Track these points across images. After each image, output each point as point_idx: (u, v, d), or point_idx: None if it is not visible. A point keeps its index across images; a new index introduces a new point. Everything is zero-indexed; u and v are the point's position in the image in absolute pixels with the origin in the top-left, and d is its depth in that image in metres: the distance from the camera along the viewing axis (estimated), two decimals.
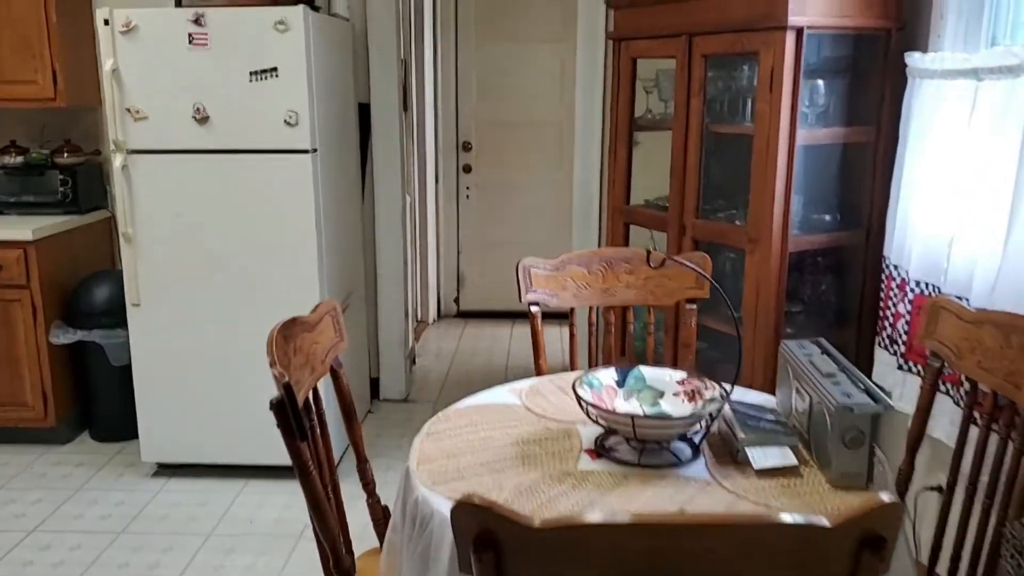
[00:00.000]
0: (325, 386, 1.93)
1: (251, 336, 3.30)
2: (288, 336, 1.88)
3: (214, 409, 3.40)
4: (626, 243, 3.25)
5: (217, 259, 3.29)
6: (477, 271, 5.91)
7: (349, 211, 3.84)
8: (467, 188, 5.82)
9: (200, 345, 3.36)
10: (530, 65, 5.56)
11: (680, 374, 1.90)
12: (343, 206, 3.71)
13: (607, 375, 1.92)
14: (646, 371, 1.94)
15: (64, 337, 3.66)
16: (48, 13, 3.62)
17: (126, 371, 3.48)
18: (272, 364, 1.69)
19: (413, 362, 4.84)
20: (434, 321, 5.86)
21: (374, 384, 4.35)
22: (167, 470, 3.55)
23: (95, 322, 3.67)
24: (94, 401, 3.82)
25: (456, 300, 5.98)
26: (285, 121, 3.16)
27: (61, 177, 3.80)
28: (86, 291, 3.71)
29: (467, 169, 5.78)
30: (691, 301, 2.42)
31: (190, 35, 3.12)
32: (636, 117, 3.19)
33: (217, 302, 3.32)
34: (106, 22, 3.11)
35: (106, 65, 3.13)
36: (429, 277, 5.70)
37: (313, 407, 1.89)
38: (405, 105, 4.40)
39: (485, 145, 5.74)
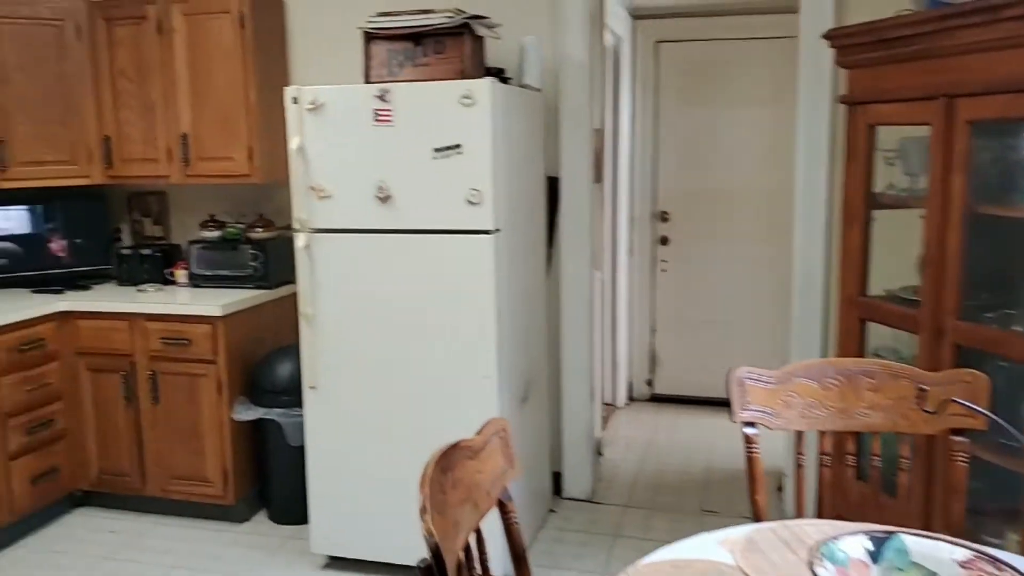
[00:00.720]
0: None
1: (428, 426, 3.06)
2: (447, 467, 1.55)
3: (388, 503, 3.16)
4: (861, 342, 2.70)
5: (396, 342, 3.09)
6: (673, 351, 5.45)
7: (533, 290, 3.55)
8: (663, 261, 5.40)
9: (375, 433, 3.16)
10: (736, 130, 5.11)
11: (961, 551, 1.39)
12: (527, 285, 3.43)
13: (855, 545, 1.44)
14: (910, 542, 1.45)
15: (246, 414, 3.60)
16: (248, 92, 3.67)
17: (303, 452, 3.34)
18: (422, 512, 1.37)
19: (599, 454, 4.43)
20: (624, 405, 5.43)
21: (556, 480, 3.98)
22: (337, 563, 3.34)
23: (275, 400, 3.59)
24: (271, 481, 3.73)
25: (649, 382, 5.53)
26: (468, 200, 2.93)
27: (253, 252, 3.81)
28: (269, 367, 3.65)
29: (664, 241, 5.37)
30: (959, 431, 1.88)
31: (375, 111, 2.98)
32: (875, 193, 2.67)
33: (394, 387, 3.11)
34: (294, 100, 3.04)
35: (292, 143, 3.06)
36: (619, 357, 5.30)
37: (476, 554, 1.55)
38: (597, 176, 4.09)
39: (684, 215, 5.32)
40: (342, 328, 3.14)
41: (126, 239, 4.31)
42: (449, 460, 1.56)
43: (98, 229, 4.14)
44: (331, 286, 3.14)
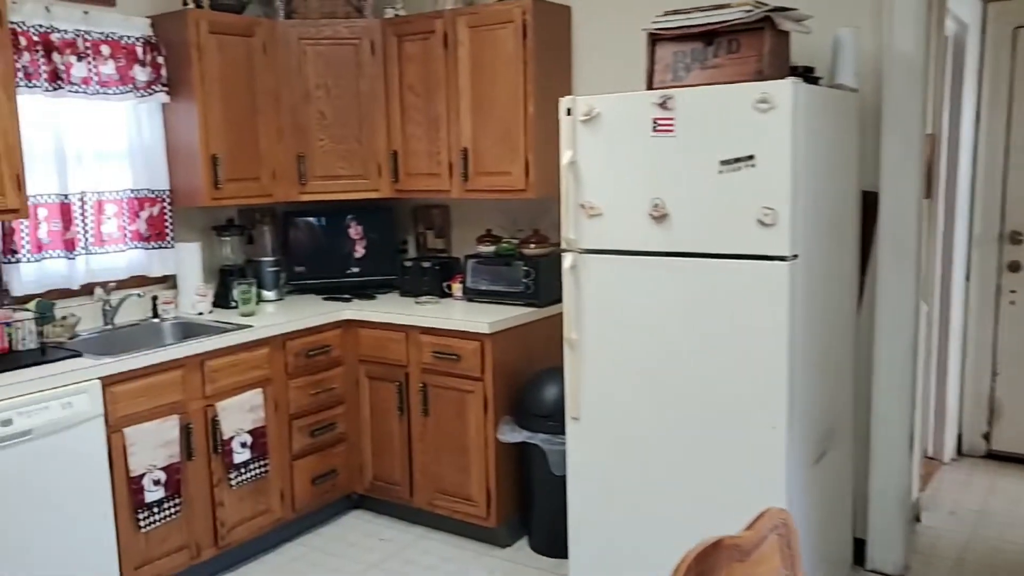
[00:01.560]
0: None
1: (699, 476, 2.68)
2: (706, 571, 1.19)
3: (650, 549, 2.83)
4: None
5: (667, 379, 2.74)
6: (1020, 400, 4.46)
7: (839, 326, 3.00)
8: (1011, 292, 4.44)
9: (639, 474, 2.84)
10: None
11: None
12: (831, 321, 2.89)
13: None
14: None
15: (511, 435, 3.45)
16: (527, 104, 3.52)
17: (566, 482, 3.12)
18: None
19: (916, 519, 3.70)
20: (951, 461, 4.55)
21: (858, 548, 3.36)
22: None
23: (540, 424, 3.40)
24: (534, 508, 3.55)
25: (986, 436, 4.59)
26: (759, 220, 2.50)
27: (525, 268, 3.66)
28: (535, 389, 3.47)
29: (1014, 267, 4.41)
30: None
31: (654, 120, 2.65)
32: None
33: (663, 428, 2.77)
34: (568, 111, 2.81)
35: (564, 157, 2.83)
36: (948, 404, 4.45)
37: None
38: (928, 190, 3.40)
39: None
40: (608, 358, 2.86)
41: (411, 251, 4.40)
42: (709, 562, 1.20)
43: (387, 240, 4.26)
44: (598, 312, 2.86)
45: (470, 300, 3.83)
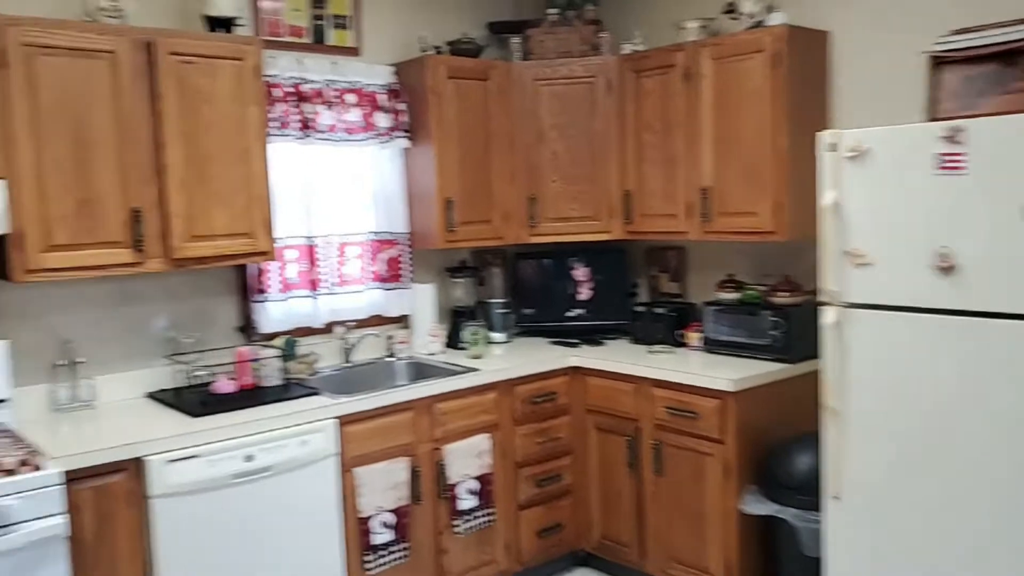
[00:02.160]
0: None
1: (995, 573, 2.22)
2: None
3: None
4: None
5: (954, 461, 2.31)
6: None
7: None
8: None
9: (914, 569, 2.41)
10: None
11: None
12: None
13: None
14: None
15: (755, 507, 3.10)
16: (776, 139, 3.20)
17: (820, 566, 2.73)
18: None
19: None
20: None
21: None
22: None
23: (791, 497, 3.03)
24: None
25: None
26: None
27: (773, 319, 3.31)
28: (785, 457, 3.10)
29: None
30: None
31: (940, 156, 2.26)
32: None
33: (947, 519, 2.33)
34: (832, 146, 2.48)
35: (826, 198, 2.50)
36: None
37: None
38: None
39: None
40: (878, 432, 2.47)
41: (643, 295, 4.17)
42: None
43: (617, 284, 4.07)
44: (867, 377, 2.49)
45: (710, 351, 3.54)
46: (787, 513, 3.01)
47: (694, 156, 3.49)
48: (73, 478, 2.38)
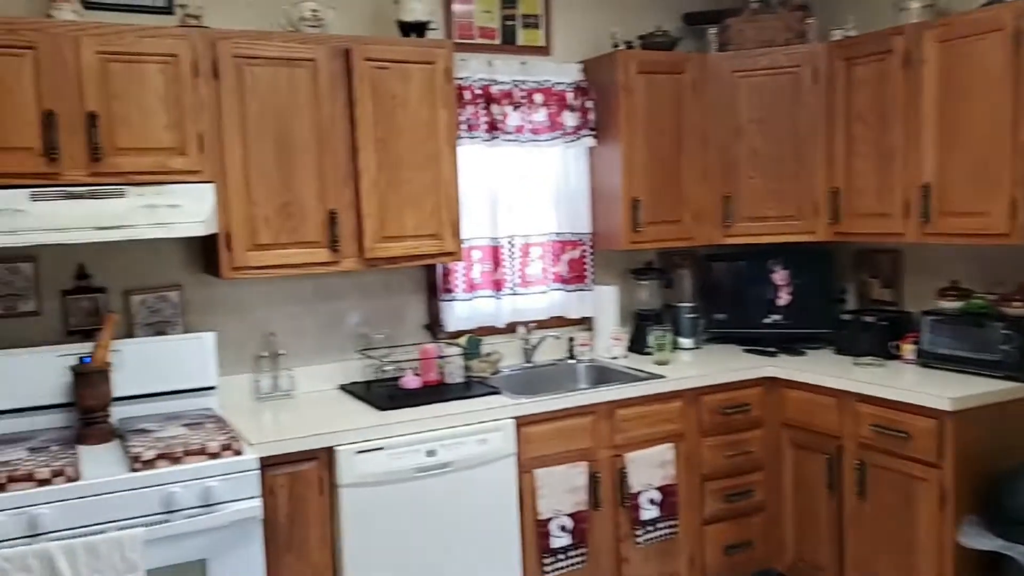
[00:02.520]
0: None
1: None
2: None
3: None
4: None
5: None
6: None
7: None
8: None
9: None
10: None
11: None
12: None
13: None
14: None
15: (977, 541, 2.75)
16: (1017, 129, 2.80)
17: None
18: None
19: None
20: None
21: None
22: None
23: (1019, 532, 2.65)
24: None
25: None
26: None
27: (1005, 332, 2.91)
28: (1014, 488, 2.72)
29: None
30: None
31: None
32: None
33: None
34: None
35: None
36: None
37: None
38: None
39: None
40: None
41: (850, 302, 3.83)
42: None
43: (820, 289, 3.77)
44: None
45: (924, 365, 3.18)
46: (1016, 551, 2.64)
47: (913, 150, 3.14)
48: (269, 464, 2.53)
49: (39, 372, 2.63)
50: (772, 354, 3.60)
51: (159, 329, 2.92)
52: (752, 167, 3.58)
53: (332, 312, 3.25)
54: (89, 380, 2.55)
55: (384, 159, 2.95)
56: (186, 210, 2.58)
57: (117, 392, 2.71)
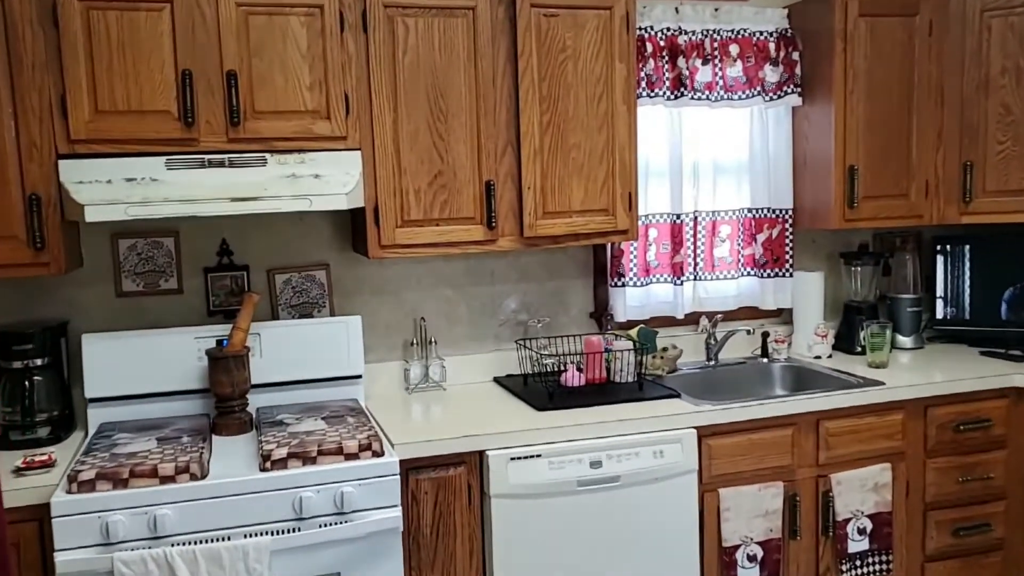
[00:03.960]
0: None
1: None
2: None
3: None
4: None
5: None
6: None
7: None
8: None
9: None
10: None
11: None
12: None
13: None
14: None
15: None
16: None
17: None
18: None
19: None
20: None
21: None
22: None
23: None
24: None
25: None
26: None
27: None
28: None
29: None
30: None
31: None
32: None
33: None
34: None
35: None
36: None
37: None
38: None
39: None
40: None
41: None
42: None
43: None
44: None
45: None
46: None
47: None
48: (413, 467, 2.23)
49: (177, 355, 2.46)
50: (1018, 359, 2.92)
51: (304, 311, 2.69)
52: (1003, 130, 2.89)
53: (487, 296, 2.91)
54: (225, 366, 2.34)
55: (550, 122, 2.56)
56: (330, 181, 2.31)
57: (257, 379, 2.50)
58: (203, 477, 2.00)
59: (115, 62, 2.18)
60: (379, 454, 2.13)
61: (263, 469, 2.05)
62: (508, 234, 2.57)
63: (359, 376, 2.62)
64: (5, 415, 2.28)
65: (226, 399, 2.35)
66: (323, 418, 2.36)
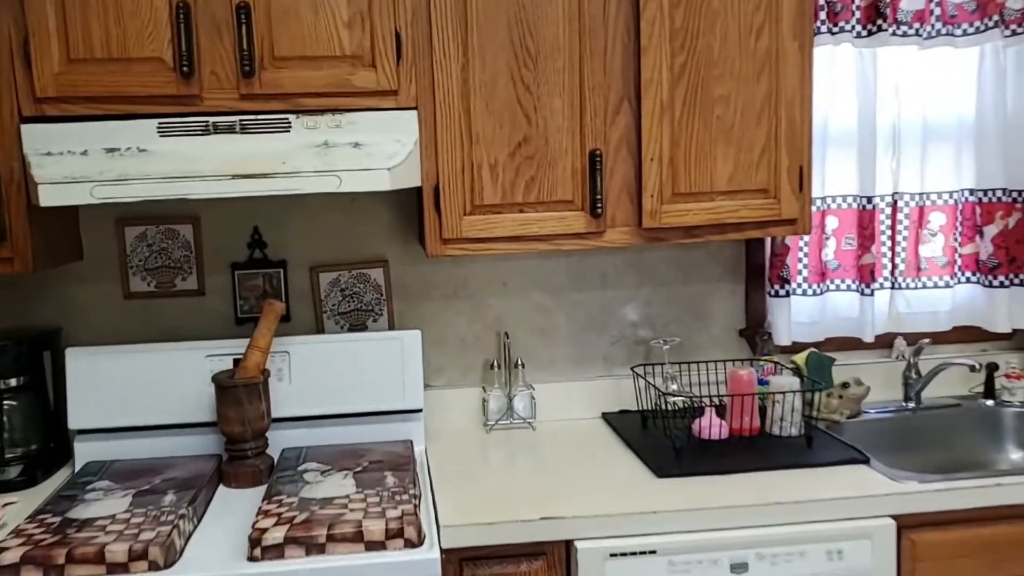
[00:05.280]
0: None
1: None
2: None
3: None
4: None
5: None
6: None
7: None
8: None
9: None
10: None
11: None
12: None
13: None
14: None
15: None
16: None
17: None
18: None
19: None
20: None
21: None
22: None
23: None
24: None
25: None
26: None
27: None
28: None
29: None
30: None
31: None
32: None
33: None
34: None
35: None
36: None
37: None
38: None
39: None
40: None
41: None
42: None
43: None
44: None
45: None
46: None
47: None
48: (468, 557, 1.58)
49: (186, 376, 1.90)
50: None
51: (356, 320, 2.08)
52: None
53: (596, 305, 2.19)
54: (235, 397, 1.77)
55: (685, 66, 1.81)
56: (373, 152, 1.68)
57: (284, 410, 1.92)
58: (167, 566, 1.43)
59: None
60: (414, 544, 1.48)
61: (251, 558, 1.45)
62: (620, 224, 1.85)
63: (417, 411, 1.98)
64: None
65: (236, 440, 1.78)
66: (356, 473, 1.74)
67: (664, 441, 1.90)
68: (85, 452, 1.89)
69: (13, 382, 1.82)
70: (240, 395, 1.77)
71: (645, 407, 2.08)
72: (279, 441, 1.93)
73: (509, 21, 1.76)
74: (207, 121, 1.67)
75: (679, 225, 1.84)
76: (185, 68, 1.66)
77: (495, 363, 2.13)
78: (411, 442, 1.94)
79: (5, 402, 1.81)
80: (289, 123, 1.69)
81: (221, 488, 1.77)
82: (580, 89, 1.79)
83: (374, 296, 2.08)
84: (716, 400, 2.01)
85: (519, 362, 2.13)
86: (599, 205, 1.80)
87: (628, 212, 1.84)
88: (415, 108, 1.74)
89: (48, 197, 1.59)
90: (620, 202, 1.83)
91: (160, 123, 1.65)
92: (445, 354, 2.14)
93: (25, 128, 1.64)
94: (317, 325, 2.08)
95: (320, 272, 2.07)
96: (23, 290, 2.01)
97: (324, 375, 1.94)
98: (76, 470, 1.85)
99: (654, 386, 2.01)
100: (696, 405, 2.00)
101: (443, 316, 2.14)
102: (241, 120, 1.67)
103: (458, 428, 2.13)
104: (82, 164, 1.62)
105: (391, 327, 2.10)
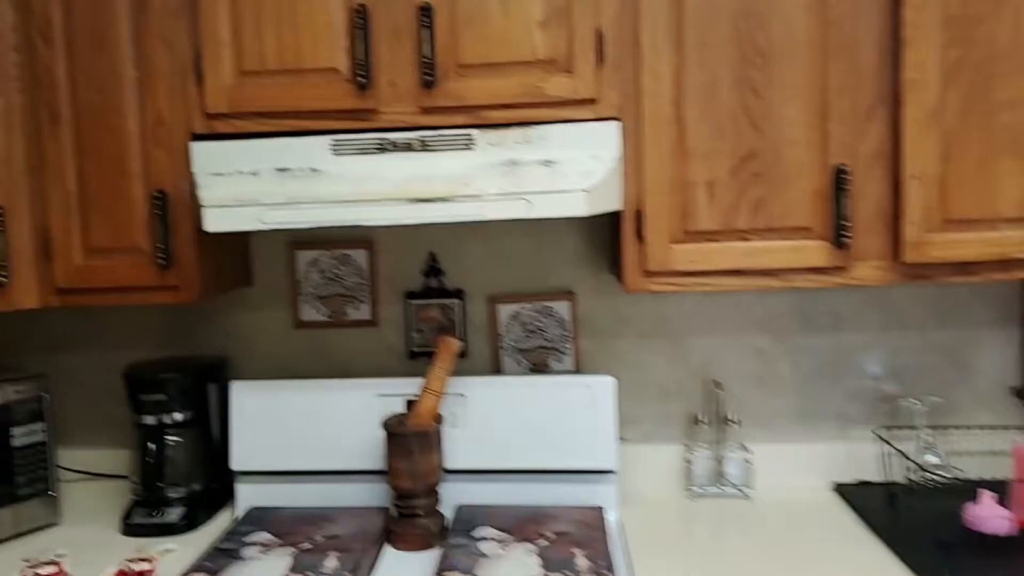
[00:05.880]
0: None
1: None
2: None
3: None
4: None
5: None
6: None
7: None
8: None
9: None
10: None
11: None
12: None
13: None
14: None
15: None
16: None
17: None
18: None
19: None
20: None
21: None
22: None
23: None
24: None
25: None
26: None
27: None
28: None
29: None
30: None
31: None
32: None
33: None
34: None
35: None
36: None
37: None
38: None
39: None
40: None
41: None
42: None
43: None
44: None
45: None
46: None
47: None
48: None
49: (356, 417, 1.73)
50: None
51: (537, 359, 1.84)
52: None
53: (828, 352, 1.82)
54: (404, 447, 1.56)
55: (959, 62, 1.43)
56: (567, 171, 1.42)
57: (459, 461, 1.70)
58: None
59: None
60: None
61: None
62: (872, 257, 1.48)
63: (609, 471, 1.70)
64: (133, 488, 1.71)
65: (406, 496, 1.58)
66: (543, 548, 1.49)
67: (923, 529, 1.52)
68: (247, 495, 1.75)
69: (179, 416, 1.71)
70: (411, 445, 1.56)
71: (892, 477, 1.70)
72: (451, 495, 1.72)
73: (733, 13, 1.45)
74: (384, 138, 1.48)
75: (950, 260, 1.46)
76: (361, 78, 1.48)
77: (701, 417, 1.82)
78: (602, 509, 1.66)
79: (170, 438, 1.70)
80: (472, 139, 1.47)
81: (387, 549, 1.57)
82: (822, 92, 1.45)
83: (558, 332, 1.83)
84: (990, 475, 1.60)
85: (732, 417, 1.80)
86: (845, 233, 1.45)
87: (882, 243, 1.48)
88: (617, 119, 1.48)
89: (215, 222, 1.45)
90: (872, 230, 1.47)
91: (334, 140, 1.48)
92: (640, 404, 1.85)
93: (195, 146, 1.51)
94: (494, 362, 1.85)
95: (500, 304, 1.84)
96: (189, 316, 1.92)
97: (503, 422, 1.71)
98: (236, 514, 1.72)
99: (908, 457, 1.62)
100: (960, 477, 1.60)
101: (638, 358, 1.85)
102: (421, 137, 1.47)
103: (654, 494, 1.82)
104: (252, 185, 1.47)
105: (577, 368, 1.84)
